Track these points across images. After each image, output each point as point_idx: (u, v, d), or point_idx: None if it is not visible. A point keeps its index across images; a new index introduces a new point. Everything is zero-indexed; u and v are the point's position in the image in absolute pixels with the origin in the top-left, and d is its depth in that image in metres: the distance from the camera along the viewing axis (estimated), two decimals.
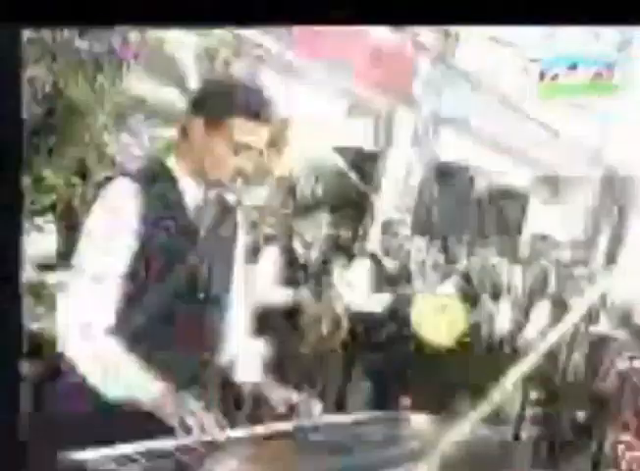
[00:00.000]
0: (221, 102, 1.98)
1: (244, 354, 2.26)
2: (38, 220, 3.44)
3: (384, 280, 5.18)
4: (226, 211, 2.17)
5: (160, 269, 1.94)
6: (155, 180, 2.01)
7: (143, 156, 5.37)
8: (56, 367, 3.32)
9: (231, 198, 2.22)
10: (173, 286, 1.95)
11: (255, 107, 1.98)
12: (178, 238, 1.99)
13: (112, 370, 1.87)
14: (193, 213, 2.05)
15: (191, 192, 2.05)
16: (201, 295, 2.05)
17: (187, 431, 1.74)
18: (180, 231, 2.00)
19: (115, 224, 1.93)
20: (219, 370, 2.21)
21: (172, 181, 2.03)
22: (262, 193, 7.24)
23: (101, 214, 1.96)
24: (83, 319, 1.89)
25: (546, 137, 10.42)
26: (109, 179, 2.03)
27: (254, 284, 4.26)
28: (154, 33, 4.91)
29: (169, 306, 1.96)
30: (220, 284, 2.13)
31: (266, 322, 3.98)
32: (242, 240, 2.26)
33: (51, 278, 3.50)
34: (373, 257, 5.37)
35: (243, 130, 1.96)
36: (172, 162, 2.06)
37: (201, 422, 1.76)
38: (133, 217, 1.92)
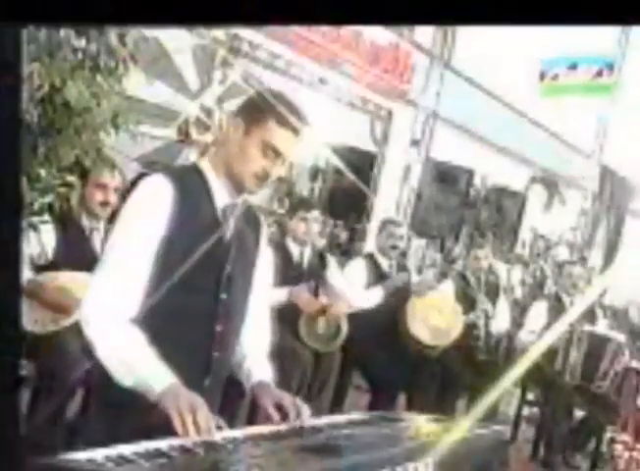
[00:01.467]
0: (263, 107, 2.09)
1: (256, 355, 2.28)
2: (35, 220, 3.44)
3: (381, 280, 5.17)
4: (251, 217, 2.25)
5: (185, 265, 1.98)
6: (187, 179, 2.09)
7: (142, 156, 5.37)
8: (52, 368, 3.32)
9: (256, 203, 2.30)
10: (196, 283, 2.01)
11: (292, 117, 2.09)
12: (205, 238, 2.04)
13: (129, 358, 1.91)
14: (221, 214, 2.11)
15: (220, 194, 2.12)
16: (224, 296, 2.10)
17: (188, 429, 1.75)
18: (207, 230, 2.06)
19: (146, 218, 2.00)
20: (231, 370, 2.23)
21: (203, 182, 2.11)
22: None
23: (134, 207, 2.04)
24: (110, 306, 1.94)
25: (544, 137, 10.43)
26: (142, 175, 2.11)
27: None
28: (152, 33, 4.91)
29: (189, 303, 2.02)
30: (242, 288, 2.18)
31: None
32: (266, 248, 2.34)
33: (48, 277, 3.49)
34: (370, 257, 5.37)
35: (276, 134, 2.07)
36: (204, 163, 2.15)
37: (202, 420, 1.77)
38: (164, 212, 2.00)
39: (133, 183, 2.10)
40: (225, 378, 2.22)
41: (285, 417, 2.06)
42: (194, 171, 2.13)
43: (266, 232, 2.35)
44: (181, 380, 1.90)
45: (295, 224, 4.64)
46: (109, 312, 1.94)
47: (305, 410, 2.08)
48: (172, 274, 1.96)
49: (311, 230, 4.66)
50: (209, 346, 2.09)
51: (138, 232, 1.99)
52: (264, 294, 2.35)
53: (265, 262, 2.34)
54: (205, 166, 2.14)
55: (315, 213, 4.71)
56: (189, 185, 2.07)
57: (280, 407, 2.08)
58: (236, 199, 2.15)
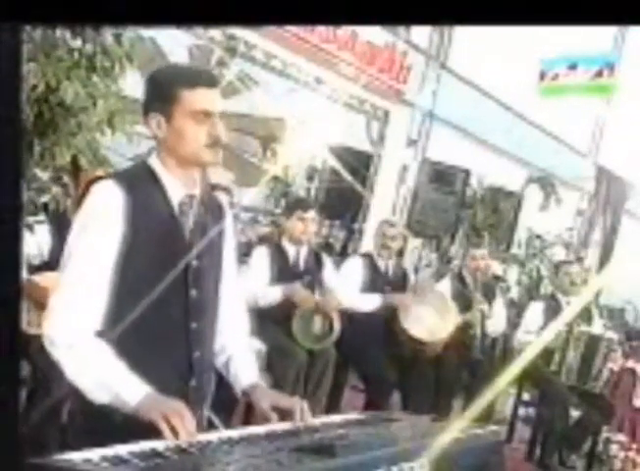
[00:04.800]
0: (163, 86, 2.02)
1: (240, 354, 2.25)
2: (30, 220, 3.44)
3: (377, 280, 5.17)
4: (212, 207, 2.18)
5: (149, 268, 1.95)
6: (137, 180, 2.02)
7: (138, 156, 5.37)
8: (47, 368, 3.31)
9: (221, 198, 2.23)
10: (162, 284, 1.95)
11: (195, 72, 2.04)
12: (164, 236, 2.00)
13: (99, 374, 1.86)
14: (178, 210, 2.06)
15: (174, 189, 2.06)
16: (193, 293, 2.05)
17: (174, 433, 1.73)
18: (165, 228, 2.02)
19: (101, 226, 1.93)
20: (213, 370, 2.21)
21: (155, 180, 2.05)
22: (256, 193, 7.24)
23: (87, 216, 1.97)
24: (73, 324, 1.89)
25: (541, 138, 10.45)
26: (93, 181, 2.03)
27: (246, 284, 4.25)
28: (148, 33, 4.90)
29: (159, 305, 1.96)
30: (211, 282, 2.14)
31: (257, 322, 3.98)
32: (231, 238, 2.27)
33: (43, 278, 3.49)
34: (367, 257, 5.37)
35: (194, 98, 1.99)
36: (154, 160, 2.08)
37: (185, 424, 1.75)
38: (117, 218, 1.93)
39: (85, 190, 2.01)
40: (210, 376, 2.19)
41: (284, 419, 2.05)
42: (145, 170, 2.06)
43: (231, 221, 2.29)
44: (167, 384, 1.88)
45: (293, 223, 4.63)
46: (73, 330, 1.88)
47: (306, 409, 2.07)
48: (137, 278, 1.93)
49: (309, 229, 4.65)
50: (188, 346, 2.05)
51: (94, 242, 1.92)
52: (235, 285, 2.28)
53: (232, 251, 2.27)
54: (155, 163, 2.06)
55: (312, 213, 4.70)
56: (141, 186, 2.00)
57: (278, 409, 2.07)
58: (191, 191, 2.08)
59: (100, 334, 1.91)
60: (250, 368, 2.22)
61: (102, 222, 1.93)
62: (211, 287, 2.14)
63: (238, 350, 2.25)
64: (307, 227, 4.64)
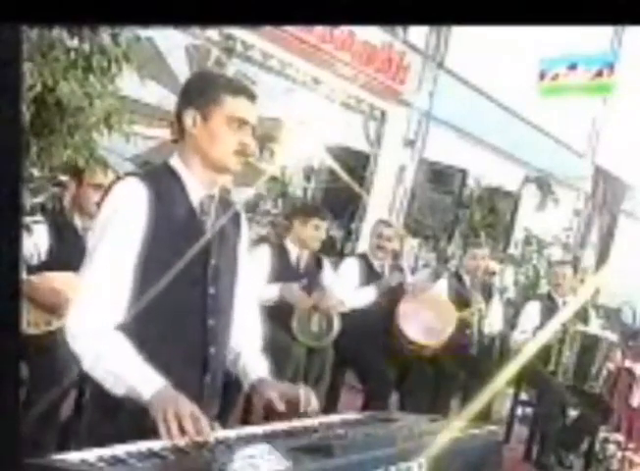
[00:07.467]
0: (209, 87, 2.10)
1: (250, 351, 2.28)
2: (27, 220, 3.43)
3: (374, 281, 5.17)
4: (229, 208, 2.23)
5: (170, 265, 1.98)
6: (159, 179, 2.07)
7: (135, 156, 5.37)
8: (45, 369, 3.31)
9: (234, 198, 2.29)
10: (184, 280, 1.99)
11: (241, 84, 2.14)
12: (185, 234, 2.05)
13: (117, 367, 1.89)
14: (198, 208, 2.11)
15: (195, 188, 2.11)
16: (212, 290, 2.09)
17: (181, 432, 1.74)
18: (186, 226, 2.06)
19: (124, 223, 1.97)
20: (224, 366, 2.23)
21: (177, 179, 2.10)
22: (254, 193, 7.24)
23: (111, 212, 2.01)
24: (95, 317, 1.92)
25: (538, 138, 10.44)
26: (117, 179, 2.08)
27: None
28: (146, 33, 4.90)
29: (179, 301, 2.01)
30: (228, 281, 2.18)
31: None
32: (246, 239, 2.33)
33: (40, 278, 3.48)
34: (363, 257, 5.37)
35: (235, 105, 2.07)
36: (175, 160, 2.13)
37: (189, 426, 1.75)
38: (141, 215, 1.98)
39: (108, 189, 2.07)
40: (222, 374, 2.22)
41: (292, 408, 2.07)
42: (166, 170, 2.12)
43: (246, 222, 2.35)
44: (182, 379, 1.90)
45: (307, 229, 4.66)
46: (94, 324, 1.92)
47: (314, 399, 2.10)
48: (157, 274, 1.96)
49: (322, 237, 4.72)
50: (205, 342, 2.09)
51: (117, 237, 1.97)
52: (250, 285, 2.35)
53: (247, 253, 2.33)
54: (176, 163, 2.12)
55: (326, 223, 4.77)
56: (163, 185, 2.05)
57: (286, 399, 2.08)
58: (211, 191, 2.14)
59: (121, 327, 1.94)
60: (259, 364, 2.25)
61: (126, 217, 1.98)
62: (228, 285, 2.18)
63: (248, 348, 2.28)
64: (320, 234, 4.70)
